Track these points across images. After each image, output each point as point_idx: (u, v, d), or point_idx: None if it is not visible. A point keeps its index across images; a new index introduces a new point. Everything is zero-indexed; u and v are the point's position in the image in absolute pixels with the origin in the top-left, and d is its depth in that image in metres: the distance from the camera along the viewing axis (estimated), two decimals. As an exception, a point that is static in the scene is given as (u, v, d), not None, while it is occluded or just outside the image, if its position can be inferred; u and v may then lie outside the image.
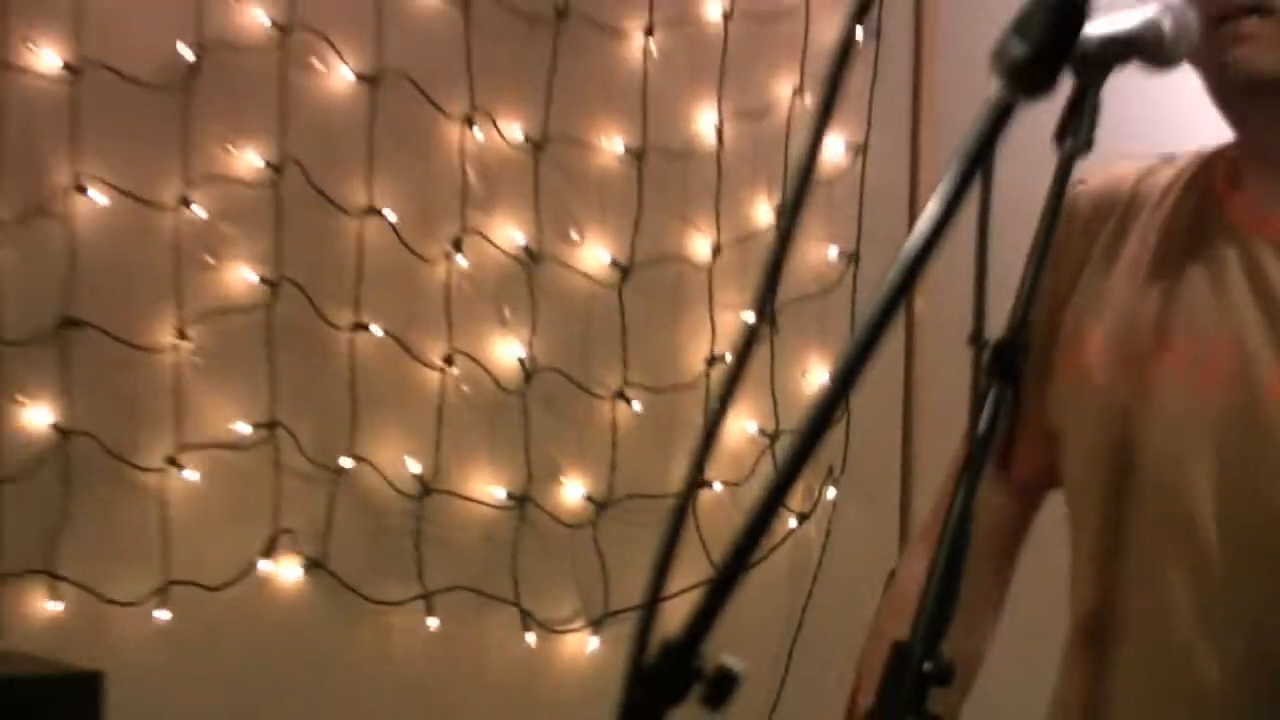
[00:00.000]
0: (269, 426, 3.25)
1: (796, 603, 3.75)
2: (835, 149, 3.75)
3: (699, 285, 3.66)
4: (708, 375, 3.66)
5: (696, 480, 1.31)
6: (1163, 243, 1.77)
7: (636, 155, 3.59)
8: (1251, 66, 1.64)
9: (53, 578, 3.06)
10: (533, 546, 3.49)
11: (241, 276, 3.23)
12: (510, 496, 3.47)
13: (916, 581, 1.31)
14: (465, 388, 3.44)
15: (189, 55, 3.16)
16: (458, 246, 3.42)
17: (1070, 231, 1.82)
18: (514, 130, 3.47)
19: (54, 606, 3.07)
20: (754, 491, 3.54)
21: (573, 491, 3.55)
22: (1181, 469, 1.68)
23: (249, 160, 3.23)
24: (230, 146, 3.21)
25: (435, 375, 3.41)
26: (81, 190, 3.08)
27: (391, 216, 3.35)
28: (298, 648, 3.29)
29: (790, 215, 1.25)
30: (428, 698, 3.42)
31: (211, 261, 3.20)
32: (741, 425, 3.67)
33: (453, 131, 3.42)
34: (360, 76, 3.32)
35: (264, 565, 3.25)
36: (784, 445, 3.68)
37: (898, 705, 1.19)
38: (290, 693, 3.28)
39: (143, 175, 3.13)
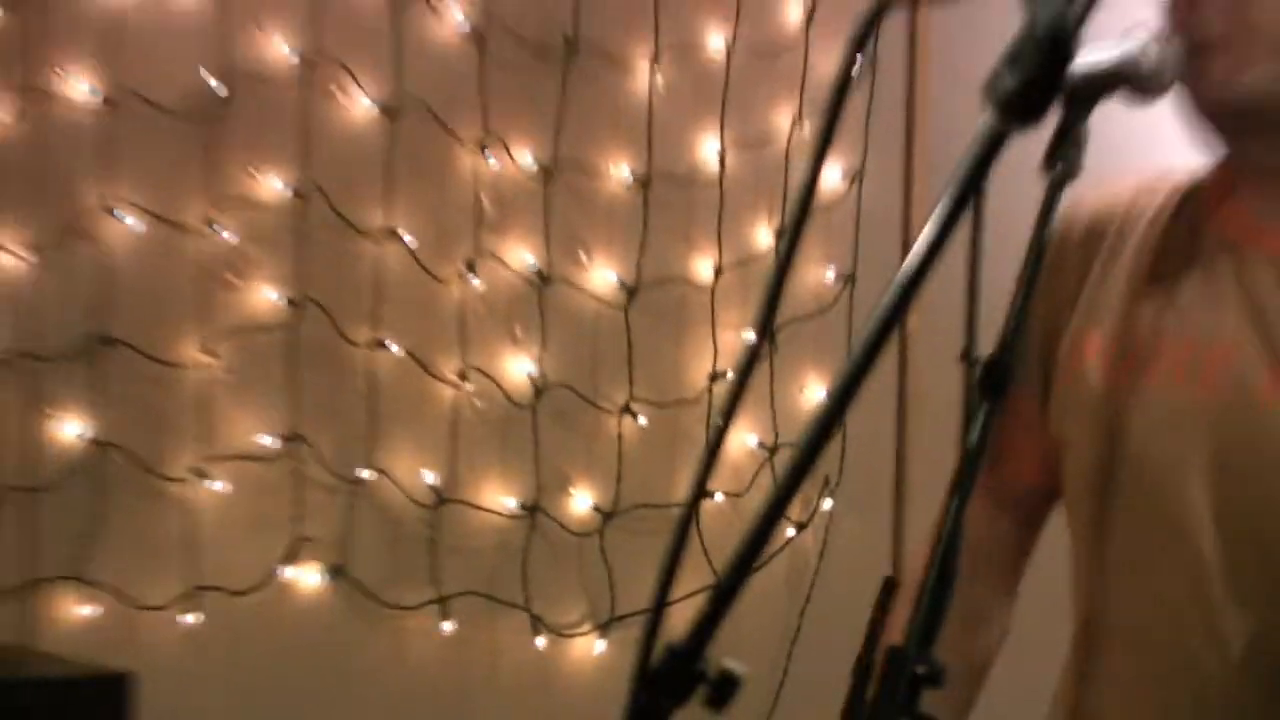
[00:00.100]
0: (291, 439, 3.25)
1: (794, 608, 3.75)
2: (832, 175, 3.75)
3: (702, 305, 3.66)
4: (710, 391, 3.66)
5: (700, 491, 1.31)
6: (1158, 255, 1.76)
7: (642, 181, 3.59)
8: (1231, 90, 1.63)
9: (85, 583, 3.06)
10: (543, 554, 3.49)
11: (265, 296, 3.23)
12: (521, 506, 3.47)
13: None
14: (478, 403, 3.44)
15: (216, 85, 3.16)
16: (472, 268, 3.42)
17: (1069, 247, 1.81)
18: (525, 157, 3.47)
19: (86, 610, 3.07)
20: (754, 501, 3.55)
21: (581, 502, 3.54)
22: (1176, 475, 1.67)
23: (273, 185, 3.23)
24: (255, 172, 3.21)
25: (450, 391, 3.41)
26: (113, 214, 3.08)
27: (409, 239, 3.35)
28: (318, 650, 3.29)
29: (790, 239, 1.26)
30: (442, 698, 3.42)
31: (237, 282, 3.20)
32: (742, 439, 3.67)
33: (467, 158, 3.42)
34: (379, 106, 3.32)
35: (286, 571, 3.25)
36: (783, 458, 3.68)
37: (892, 707, 1.18)
38: (311, 693, 3.28)
39: (172, 199, 3.13)
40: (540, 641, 3.50)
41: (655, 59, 3.60)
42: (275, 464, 3.23)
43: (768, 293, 1.28)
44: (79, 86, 3.05)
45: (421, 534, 3.38)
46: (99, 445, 3.07)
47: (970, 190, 1.13)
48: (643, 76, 3.60)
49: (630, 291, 3.58)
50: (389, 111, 3.33)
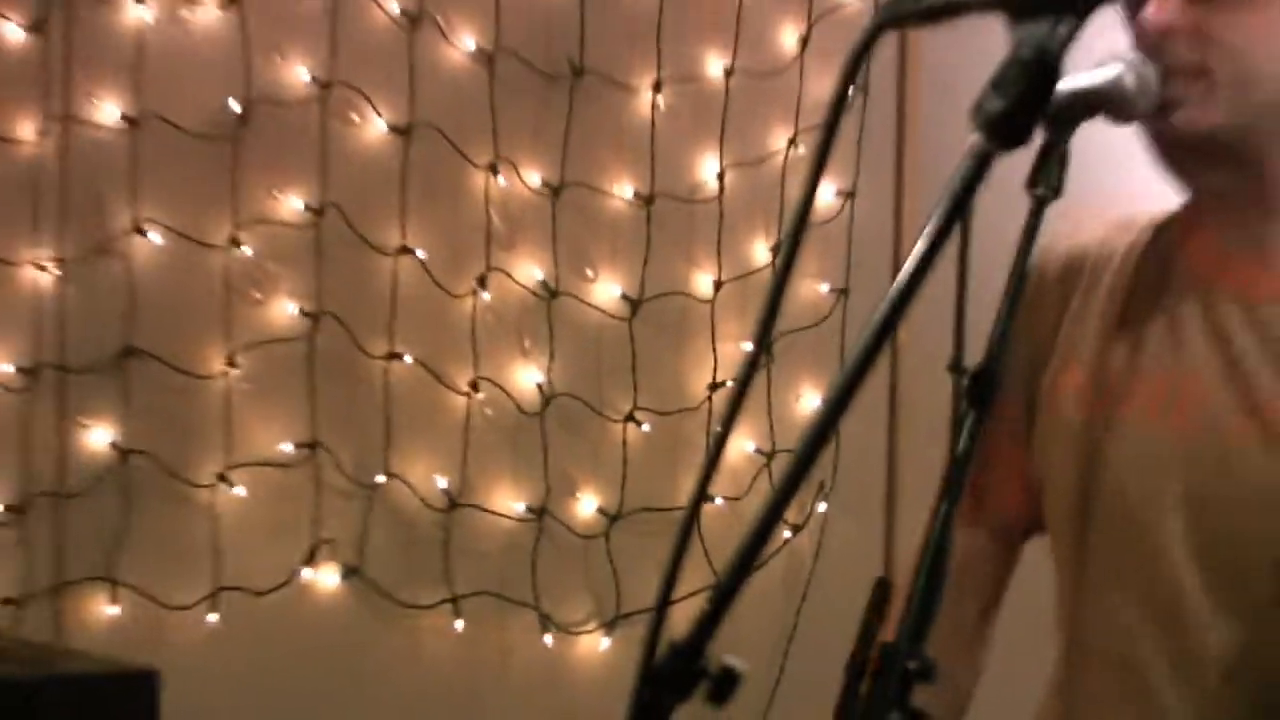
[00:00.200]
0: (310, 446, 3.25)
1: (791, 607, 3.74)
2: (826, 194, 3.75)
3: (702, 318, 3.66)
4: (710, 400, 3.66)
5: (701, 495, 1.31)
6: (1131, 292, 1.75)
7: (645, 200, 3.59)
8: (1186, 128, 1.61)
9: (113, 584, 3.06)
10: (551, 555, 3.49)
11: (285, 310, 3.23)
12: (530, 510, 3.47)
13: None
14: (489, 411, 3.44)
15: (238, 109, 3.17)
16: (482, 283, 3.42)
17: (1046, 285, 1.80)
18: (534, 177, 3.48)
19: (114, 610, 3.07)
20: (753, 505, 3.55)
21: (587, 505, 3.54)
22: (1153, 508, 1.65)
23: (292, 204, 3.23)
24: (275, 192, 3.22)
25: (462, 400, 3.41)
26: (140, 231, 3.08)
27: (422, 255, 3.35)
28: (336, 647, 3.29)
29: (786, 255, 1.26)
30: (454, 693, 3.41)
31: (258, 296, 3.21)
32: (741, 445, 3.67)
33: (478, 178, 3.42)
34: (394, 128, 3.32)
35: (306, 573, 3.25)
36: (780, 463, 3.68)
37: (885, 701, 1.18)
38: (329, 688, 3.28)
39: (196, 218, 3.13)
40: (549, 639, 3.50)
41: (657, 84, 3.60)
42: (295, 470, 3.23)
43: (765, 306, 1.28)
44: (107, 110, 3.05)
45: (435, 536, 3.38)
46: (126, 453, 3.07)
47: (958, 208, 1.13)
48: (645, 100, 3.60)
49: (634, 305, 3.58)
50: (403, 133, 3.33)
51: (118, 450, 3.06)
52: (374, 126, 3.31)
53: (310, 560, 3.25)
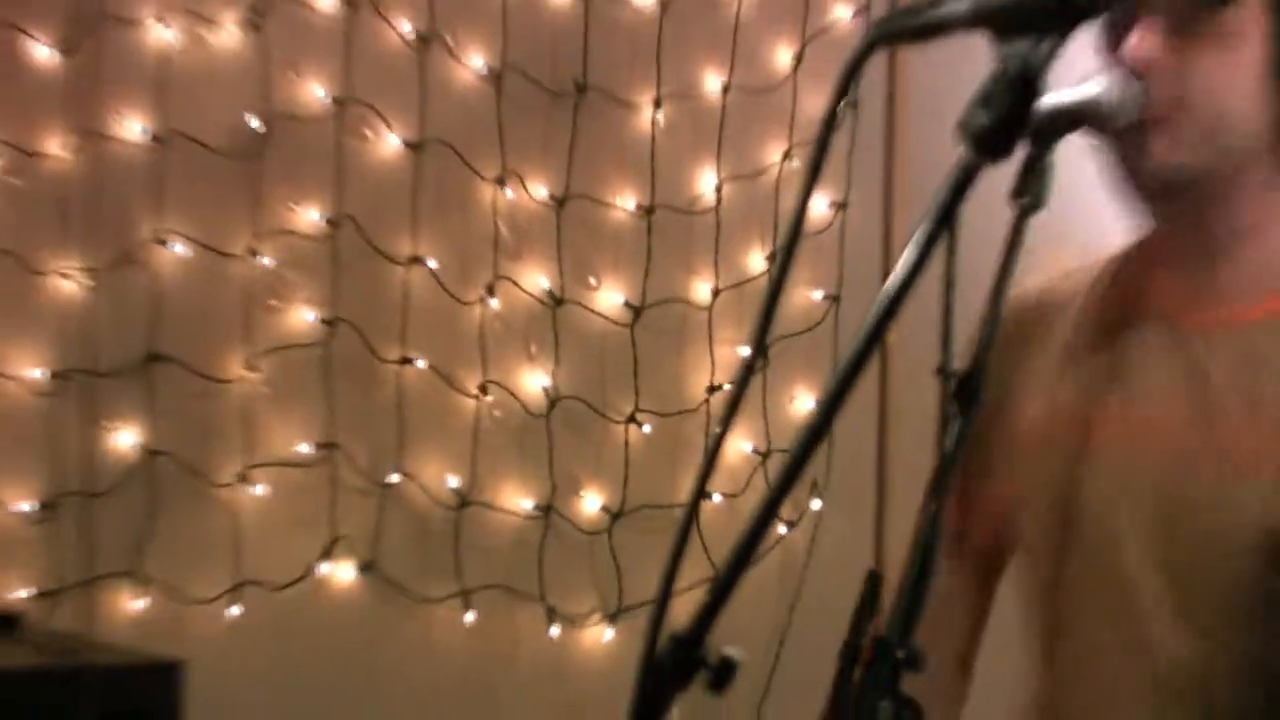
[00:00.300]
0: (327, 447, 3.24)
1: (786, 599, 3.74)
2: (819, 206, 3.74)
3: (701, 324, 3.66)
4: (708, 402, 3.66)
5: (700, 493, 1.31)
6: (1095, 327, 1.74)
7: (646, 211, 3.59)
8: (1153, 172, 1.60)
9: (139, 579, 3.06)
10: (556, 551, 3.48)
11: (303, 317, 3.23)
12: (536, 507, 3.47)
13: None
14: (497, 413, 3.44)
15: (258, 126, 3.17)
16: (491, 291, 3.42)
17: (1010, 327, 1.76)
18: (540, 190, 3.48)
19: (140, 604, 3.06)
20: (749, 502, 3.55)
21: (591, 503, 3.54)
22: (1120, 538, 1.64)
23: (310, 216, 3.23)
24: (293, 205, 3.22)
25: (471, 402, 3.41)
26: (164, 243, 3.08)
27: (433, 265, 3.35)
28: (352, 639, 3.29)
29: (781, 263, 1.26)
30: (465, 681, 3.41)
31: (277, 304, 3.21)
32: (738, 445, 3.67)
33: (486, 191, 3.42)
34: (406, 144, 3.32)
35: (323, 567, 3.25)
36: (775, 463, 3.68)
37: (876, 688, 1.18)
38: (345, 677, 3.27)
39: (217, 229, 3.13)
40: (555, 630, 3.49)
41: (657, 101, 3.60)
42: (312, 470, 3.23)
43: (761, 312, 1.28)
44: (133, 127, 3.05)
45: (446, 533, 3.37)
46: (152, 453, 3.07)
47: (945, 218, 1.13)
48: (646, 116, 3.60)
49: (635, 311, 3.58)
50: (415, 149, 3.33)
51: (143, 451, 3.06)
52: (387, 142, 3.31)
53: (327, 555, 3.24)
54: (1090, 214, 1.79)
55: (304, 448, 3.22)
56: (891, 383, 3.84)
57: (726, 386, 3.65)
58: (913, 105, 3.88)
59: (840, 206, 3.79)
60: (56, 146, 2.99)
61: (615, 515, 3.54)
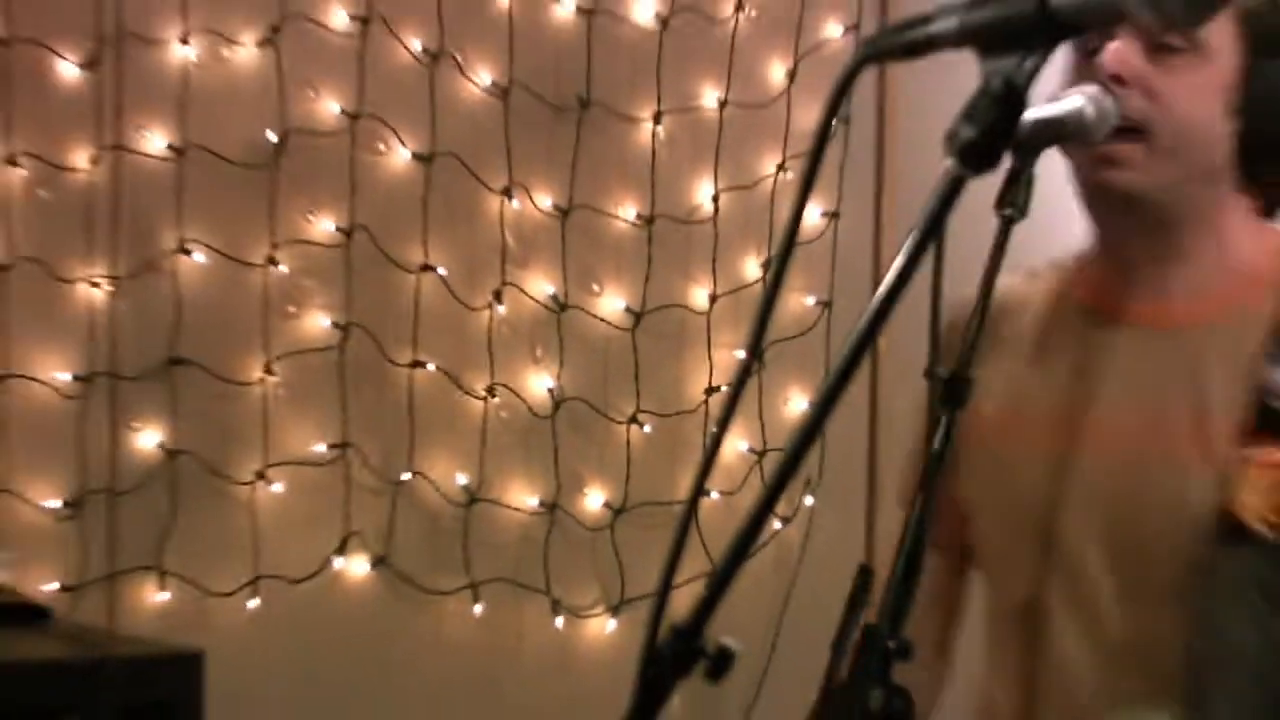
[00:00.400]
0: (341, 447, 3.24)
1: (781, 592, 3.73)
2: (812, 215, 3.74)
3: (699, 329, 3.66)
4: (706, 403, 3.65)
5: (699, 490, 1.31)
6: (1044, 331, 1.74)
7: (646, 221, 3.59)
8: (1120, 186, 1.60)
9: (161, 573, 3.06)
10: (561, 546, 3.48)
11: (318, 322, 3.23)
12: (542, 504, 3.47)
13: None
14: (504, 414, 3.44)
15: (275, 139, 3.17)
16: (498, 297, 3.42)
17: (955, 336, 1.77)
18: (544, 201, 3.47)
19: (162, 597, 3.06)
20: (746, 499, 3.55)
21: (594, 500, 3.54)
22: (1074, 528, 1.64)
23: (324, 226, 3.23)
24: (309, 215, 3.22)
25: (479, 404, 3.41)
26: (185, 251, 3.08)
27: (443, 272, 3.35)
28: (365, 630, 3.28)
29: (775, 271, 1.26)
30: (474, 671, 3.41)
31: (293, 310, 3.21)
32: (735, 444, 3.66)
33: (494, 202, 3.42)
34: (417, 156, 3.32)
35: (338, 562, 3.25)
36: (771, 461, 3.67)
37: (867, 677, 1.18)
38: (359, 667, 3.27)
39: (236, 239, 3.13)
40: (559, 622, 3.49)
41: (657, 115, 3.60)
42: (327, 469, 3.23)
43: (757, 317, 1.28)
44: (154, 141, 3.06)
45: (455, 529, 3.37)
46: (173, 453, 3.07)
47: (933, 227, 1.13)
48: (646, 130, 3.60)
49: (636, 317, 3.58)
50: (425, 161, 3.33)
51: (165, 451, 3.06)
52: (399, 155, 3.31)
53: (341, 551, 3.24)
54: (1071, 223, 1.79)
55: (319, 447, 3.22)
56: (882, 384, 3.84)
57: (724, 388, 3.65)
58: (901, 120, 3.88)
59: (832, 216, 3.79)
60: (82, 160, 2.99)
61: (617, 512, 3.54)
